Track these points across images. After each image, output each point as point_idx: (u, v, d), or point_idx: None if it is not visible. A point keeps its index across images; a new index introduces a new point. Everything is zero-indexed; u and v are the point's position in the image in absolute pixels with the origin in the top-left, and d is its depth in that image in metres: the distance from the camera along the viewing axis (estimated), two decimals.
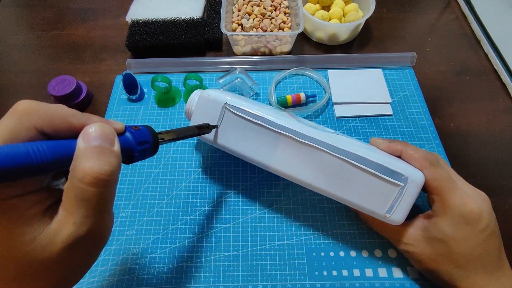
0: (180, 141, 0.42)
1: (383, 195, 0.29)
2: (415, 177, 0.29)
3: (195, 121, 0.33)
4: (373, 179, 0.29)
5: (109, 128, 0.19)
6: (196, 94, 0.37)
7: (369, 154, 0.29)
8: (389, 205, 0.29)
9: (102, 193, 0.18)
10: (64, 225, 0.18)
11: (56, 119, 0.19)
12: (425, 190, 0.30)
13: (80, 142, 0.18)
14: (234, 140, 0.33)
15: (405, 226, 0.31)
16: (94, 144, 0.18)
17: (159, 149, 0.42)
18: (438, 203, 0.29)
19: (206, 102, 0.33)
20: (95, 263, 0.34)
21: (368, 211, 0.30)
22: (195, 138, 0.43)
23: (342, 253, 0.35)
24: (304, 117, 0.44)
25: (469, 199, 0.28)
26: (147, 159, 0.41)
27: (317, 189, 0.31)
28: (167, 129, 0.44)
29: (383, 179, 0.28)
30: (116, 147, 0.19)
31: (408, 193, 0.29)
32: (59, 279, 0.19)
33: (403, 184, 0.28)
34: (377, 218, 0.30)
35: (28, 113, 0.18)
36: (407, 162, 0.30)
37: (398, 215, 0.29)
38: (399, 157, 0.31)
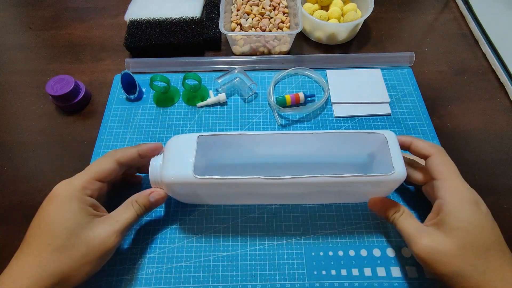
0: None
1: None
2: (387, 134, 0.32)
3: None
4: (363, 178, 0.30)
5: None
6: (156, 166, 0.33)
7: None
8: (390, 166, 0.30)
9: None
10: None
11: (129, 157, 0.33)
12: (423, 185, 0.32)
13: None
14: (213, 198, 0.36)
15: (419, 227, 0.30)
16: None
17: None
18: (444, 188, 0.29)
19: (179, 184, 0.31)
20: None
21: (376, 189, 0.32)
22: None
23: (341, 253, 0.35)
24: (303, 117, 0.44)
25: (467, 188, 0.29)
26: None
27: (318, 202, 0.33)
28: (166, 129, 0.44)
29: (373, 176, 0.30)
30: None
31: (392, 145, 0.31)
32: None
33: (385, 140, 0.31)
34: (384, 192, 0.33)
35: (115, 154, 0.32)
36: (416, 152, 0.32)
37: (398, 168, 0.30)
38: (408, 148, 0.33)
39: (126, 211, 0.31)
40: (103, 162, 0.32)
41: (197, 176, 0.29)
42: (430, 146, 0.32)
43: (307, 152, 0.36)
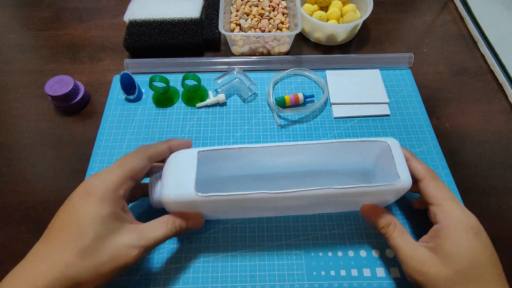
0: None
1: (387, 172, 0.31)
2: (391, 142, 0.31)
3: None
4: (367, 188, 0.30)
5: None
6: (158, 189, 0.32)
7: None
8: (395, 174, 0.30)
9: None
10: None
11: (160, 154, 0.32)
12: (425, 205, 0.31)
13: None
14: (216, 213, 0.35)
15: (414, 246, 0.29)
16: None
17: None
18: (442, 213, 0.29)
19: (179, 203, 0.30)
20: None
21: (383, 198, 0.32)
22: (192, 145, 0.43)
23: (340, 253, 0.35)
24: (302, 117, 0.44)
25: (467, 214, 0.29)
26: None
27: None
28: (166, 129, 0.44)
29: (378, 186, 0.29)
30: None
31: (396, 153, 0.31)
32: None
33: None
34: (388, 201, 0.32)
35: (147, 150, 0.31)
36: (410, 171, 0.31)
37: (403, 177, 0.29)
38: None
39: (159, 228, 0.29)
40: (136, 159, 0.29)
41: (200, 194, 0.28)
42: (425, 170, 0.31)
43: (309, 161, 0.35)
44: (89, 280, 0.25)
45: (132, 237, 0.27)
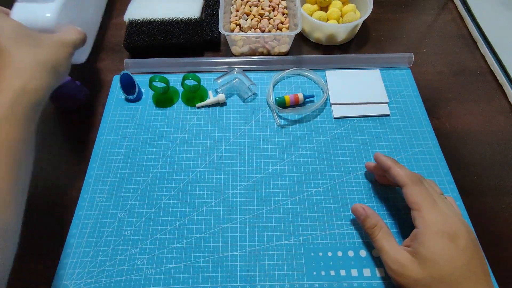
0: (178, 142, 0.42)
1: None
2: None
3: None
4: None
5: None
6: None
7: None
8: None
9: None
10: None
11: None
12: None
13: None
14: None
15: (397, 249, 0.30)
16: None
17: (157, 149, 0.42)
18: (420, 218, 0.29)
19: None
20: (93, 264, 0.34)
21: None
22: (192, 145, 0.43)
23: (340, 253, 0.35)
24: (302, 117, 0.44)
25: (446, 218, 0.29)
26: (144, 160, 0.41)
27: None
28: (165, 129, 0.44)
29: None
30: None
31: None
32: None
33: None
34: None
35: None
36: (392, 178, 0.33)
37: None
38: (386, 173, 0.34)
39: (75, 33, 0.39)
40: None
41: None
42: (406, 176, 0.32)
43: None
44: (57, 62, 0.34)
45: (57, 37, 0.36)
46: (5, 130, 0.28)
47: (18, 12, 0.41)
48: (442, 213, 0.29)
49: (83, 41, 0.40)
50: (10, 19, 0.34)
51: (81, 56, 0.48)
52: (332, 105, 0.45)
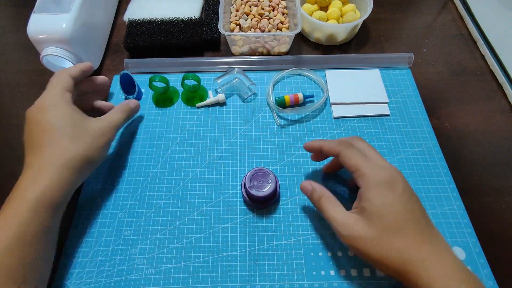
0: (178, 142, 0.42)
1: None
2: None
3: None
4: None
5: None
6: None
7: None
8: None
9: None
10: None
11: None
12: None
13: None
14: None
15: (345, 214, 0.30)
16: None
17: (157, 149, 0.42)
18: (360, 177, 0.30)
19: None
20: (93, 264, 0.34)
21: None
22: (192, 145, 0.43)
23: (339, 253, 0.35)
24: (302, 117, 0.44)
25: (382, 169, 0.30)
26: (144, 160, 0.41)
27: None
28: (165, 129, 0.44)
29: None
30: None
31: None
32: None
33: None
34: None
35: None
36: (328, 154, 0.34)
37: None
38: (320, 153, 0.35)
39: (116, 115, 0.38)
40: (60, 78, 0.36)
41: None
42: (337, 144, 0.32)
43: None
44: (91, 155, 0.33)
45: (102, 122, 0.36)
46: (29, 231, 0.28)
47: (35, 23, 0.42)
48: (377, 166, 0.30)
49: (129, 117, 0.40)
50: (65, 105, 0.34)
51: (94, 64, 0.49)
52: (332, 105, 0.45)
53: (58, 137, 0.32)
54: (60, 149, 0.31)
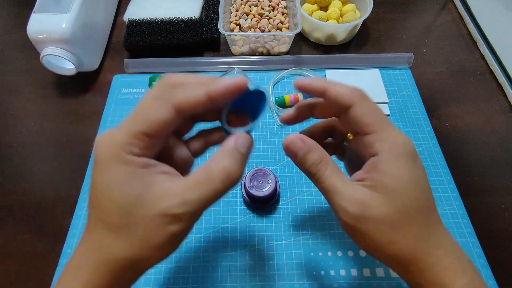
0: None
1: None
2: None
3: None
4: None
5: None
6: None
7: None
8: None
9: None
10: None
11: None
12: (349, 139, 0.26)
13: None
14: None
15: (353, 187, 0.22)
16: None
17: None
18: (380, 142, 0.22)
19: None
20: None
21: None
22: None
23: (340, 253, 0.35)
24: None
25: (403, 136, 0.23)
26: None
27: None
28: None
29: None
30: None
31: None
32: None
33: None
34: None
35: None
36: (333, 101, 0.24)
37: None
38: (323, 96, 0.24)
39: (208, 183, 0.20)
40: (155, 108, 0.20)
41: None
42: (351, 92, 0.23)
43: None
44: (139, 257, 0.19)
45: (170, 200, 0.19)
46: None
47: (35, 23, 0.41)
48: (398, 131, 0.23)
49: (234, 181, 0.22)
50: (122, 166, 0.19)
51: (94, 64, 0.49)
52: None
53: (97, 222, 0.20)
54: (96, 243, 0.20)
